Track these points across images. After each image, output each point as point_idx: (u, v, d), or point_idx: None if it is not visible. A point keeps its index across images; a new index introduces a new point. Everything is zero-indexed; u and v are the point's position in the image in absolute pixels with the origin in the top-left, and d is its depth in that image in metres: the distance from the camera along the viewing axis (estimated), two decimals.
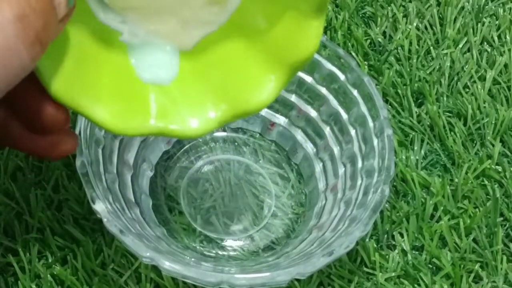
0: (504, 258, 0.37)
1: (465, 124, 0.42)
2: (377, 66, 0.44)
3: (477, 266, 0.37)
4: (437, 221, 0.38)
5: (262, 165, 0.40)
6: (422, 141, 0.41)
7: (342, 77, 0.36)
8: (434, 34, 0.46)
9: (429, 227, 0.38)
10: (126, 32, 0.28)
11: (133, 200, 0.35)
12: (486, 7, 0.48)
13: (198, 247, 0.36)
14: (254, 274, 0.30)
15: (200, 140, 0.40)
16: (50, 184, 0.37)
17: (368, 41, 0.45)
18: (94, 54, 0.27)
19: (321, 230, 0.35)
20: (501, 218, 0.39)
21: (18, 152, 0.38)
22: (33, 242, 0.35)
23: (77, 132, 0.32)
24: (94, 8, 0.28)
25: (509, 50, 0.45)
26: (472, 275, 0.37)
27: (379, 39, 0.45)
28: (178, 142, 0.40)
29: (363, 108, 0.36)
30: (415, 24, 0.46)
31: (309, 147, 0.39)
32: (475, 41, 0.46)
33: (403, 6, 0.47)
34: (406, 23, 0.46)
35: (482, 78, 0.44)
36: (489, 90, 0.44)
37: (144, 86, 0.29)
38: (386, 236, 0.37)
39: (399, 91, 0.43)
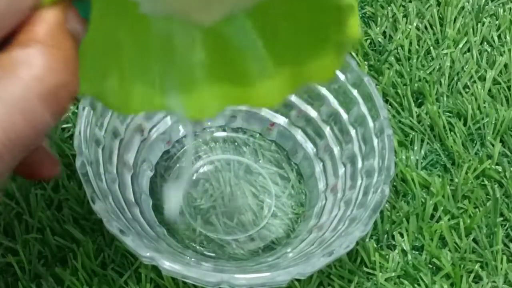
0: (504, 258, 0.37)
1: (465, 124, 0.42)
2: (377, 66, 0.44)
3: (477, 266, 0.37)
4: (437, 221, 0.38)
5: (262, 165, 0.40)
6: (422, 141, 0.41)
7: (342, 77, 0.36)
8: (434, 34, 0.46)
9: (429, 227, 0.38)
10: (146, 2, 0.28)
11: (133, 200, 0.35)
12: (486, 7, 0.48)
13: (198, 247, 0.36)
14: (254, 274, 0.30)
15: (200, 140, 0.40)
16: (50, 184, 0.37)
17: (368, 41, 0.45)
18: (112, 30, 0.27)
19: (321, 230, 0.35)
20: (501, 218, 0.39)
21: None
22: (33, 242, 0.35)
23: (77, 132, 0.32)
24: None
25: (509, 50, 0.45)
26: (472, 275, 0.37)
27: (379, 39, 0.45)
28: (178, 142, 0.40)
29: (363, 108, 0.36)
30: (415, 24, 0.46)
31: (309, 147, 0.39)
32: (475, 41, 0.46)
33: (403, 6, 0.47)
34: (406, 23, 0.46)
35: (482, 78, 0.44)
36: (489, 90, 0.44)
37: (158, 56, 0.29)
38: (386, 236, 0.37)
39: (399, 91, 0.43)
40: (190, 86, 0.29)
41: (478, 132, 0.42)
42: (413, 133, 0.41)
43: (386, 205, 0.38)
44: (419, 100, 0.43)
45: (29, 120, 0.20)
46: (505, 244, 0.38)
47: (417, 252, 0.38)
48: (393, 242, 0.38)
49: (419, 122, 0.42)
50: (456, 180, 0.40)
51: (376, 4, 0.47)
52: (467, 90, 0.44)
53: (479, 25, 0.46)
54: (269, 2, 0.27)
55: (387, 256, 0.37)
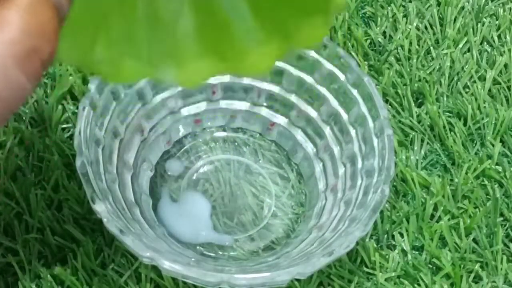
0: (504, 258, 0.37)
1: (465, 124, 0.42)
2: (377, 66, 0.44)
3: (477, 266, 0.37)
4: (437, 221, 0.38)
5: (262, 165, 0.40)
6: (422, 141, 0.41)
7: (342, 77, 0.36)
8: (434, 34, 0.46)
9: (429, 227, 0.38)
10: None
11: (133, 200, 0.35)
12: (486, 7, 0.48)
13: (198, 247, 0.36)
14: (254, 274, 0.30)
15: (200, 140, 0.40)
16: (50, 184, 0.37)
17: (368, 41, 0.45)
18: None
19: (321, 230, 0.35)
20: (501, 218, 0.39)
21: (18, 152, 0.38)
22: (33, 242, 0.35)
23: (77, 132, 0.32)
24: None
25: (509, 50, 0.45)
26: (472, 275, 0.37)
27: (379, 39, 0.45)
28: (178, 142, 0.40)
29: (363, 108, 0.36)
30: (415, 24, 0.46)
31: (309, 147, 0.39)
32: (475, 41, 0.46)
33: (403, 6, 0.47)
34: (406, 23, 0.46)
35: (482, 78, 0.44)
36: (489, 90, 0.44)
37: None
38: (386, 236, 0.37)
39: (399, 91, 0.43)
40: (179, 56, 0.29)
41: (478, 132, 0.42)
42: (413, 133, 0.41)
43: (386, 205, 0.38)
44: (419, 100, 0.43)
45: (4, 80, 0.21)
46: (505, 244, 0.38)
47: (417, 252, 0.38)
48: (393, 242, 0.38)
49: (419, 122, 0.42)
50: (456, 180, 0.40)
51: (376, 4, 0.47)
52: (467, 90, 0.44)
53: (479, 25, 0.46)
54: None
55: (387, 256, 0.37)
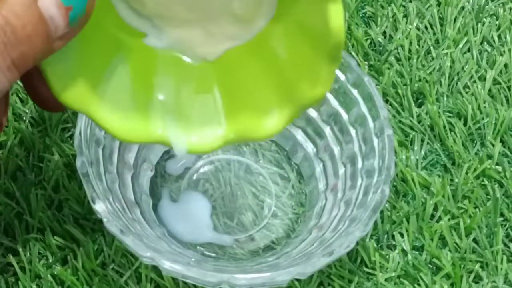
0: (504, 258, 0.37)
1: (465, 124, 0.42)
2: (377, 66, 0.44)
3: (477, 266, 0.37)
4: (437, 221, 0.38)
5: (262, 165, 0.40)
6: (422, 141, 0.41)
7: (342, 77, 0.36)
8: (434, 34, 0.46)
9: (429, 227, 0.38)
10: (151, 34, 0.28)
11: (133, 200, 0.35)
12: (486, 7, 0.48)
13: (198, 247, 0.36)
14: (254, 274, 0.30)
15: None
16: (50, 184, 0.37)
17: (368, 41, 0.45)
18: (106, 56, 0.27)
19: (321, 230, 0.35)
20: (501, 218, 0.39)
21: (18, 152, 0.38)
22: (33, 242, 0.35)
23: (77, 132, 0.32)
24: (117, 7, 0.27)
25: (509, 50, 0.45)
26: (472, 275, 0.37)
27: (379, 39, 0.45)
28: None
29: (363, 108, 0.36)
30: (415, 24, 0.46)
31: (309, 147, 0.39)
32: (475, 41, 0.46)
33: (403, 6, 0.47)
34: (406, 23, 0.46)
35: (482, 78, 0.44)
36: (489, 90, 0.44)
37: (150, 93, 0.29)
38: (386, 236, 0.37)
39: (399, 91, 0.43)
40: (191, 122, 0.29)
41: (478, 132, 0.42)
42: (413, 133, 0.41)
43: (386, 205, 0.38)
44: (419, 100, 0.43)
45: None
46: (505, 244, 0.38)
47: (417, 252, 0.38)
48: (393, 242, 0.38)
49: (419, 122, 0.42)
50: (456, 180, 0.40)
51: (376, 4, 0.47)
52: (467, 90, 0.44)
53: (479, 25, 0.46)
54: (267, 34, 0.28)
55: (387, 256, 0.37)
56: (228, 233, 0.37)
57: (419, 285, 0.36)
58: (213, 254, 0.36)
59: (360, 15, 0.46)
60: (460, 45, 0.45)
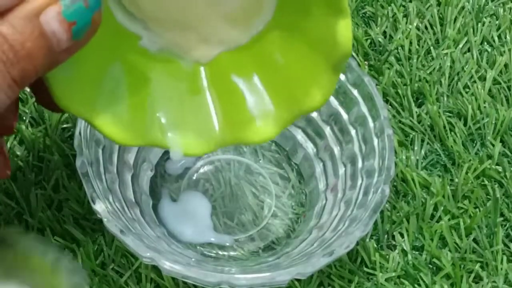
0: (504, 258, 0.37)
1: (465, 124, 0.42)
2: (377, 66, 0.44)
3: (477, 266, 0.37)
4: (437, 221, 0.38)
5: (262, 165, 0.40)
6: (422, 141, 0.41)
7: (342, 77, 0.36)
8: (434, 34, 0.46)
9: (429, 227, 0.38)
10: (146, 38, 0.28)
11: (133, 200, 0.35)
12: (486, 7, 0.47)
13: (198, 247, 0.36)
14: (254, 274, 0.30)
15: None
16: (50, 184, 0.37)
17: (368, 41, 0.45)
18: (106, 61, 0.27)
19: (321, 230, 0.35)
20: (501, 218, 0.39)
21: (18, 152, 0.38)
22: None
23: (77, 132, 0.32)
24: (114, 12, 0.27)
25: (509, 50, 0.45)
26: (472, 275, 0.37)
27: (379, 39, 0.45)
28: None
29: (363, 108, 0.36)
30: (415, 24, 0.46)
31: (309, 147, 0.39)
32: (475, 41, 0.46)
33: (403, 6, 0.47)
34: (406, 23, 0.46)
35: (482, 78, 0.44)
36: (489, 90, 0.44)
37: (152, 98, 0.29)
38: (386, 236, 0.37)
39: (399, 91, 0.43)
40: (187, 125, 0.29)
41: (478, 132, 0.42)
42: (413, 133, 0.41)
43: (386, 205, 0.38)
44: (419, 100, 0.43)
45: None
46: (505, 244, 0.38)
47: (417, 252, 0.38)
48: (393, 242, 0.38)
49: (419, 122, 0.42)
50: (456, 180, 0.40)
51: (376, 4, 0.47)
52: (467, 90, 0.44)
53: (479, 25, 0.46)
54: (264, 36, 0.28)
55: (387, 256, 0.37)
56: (228, 233, 0.37)
57: (419, 285, 0.36)
58: (213, 254, 0.36)
59: (360, 15, 0.46)
60: (460, 45, 0.45)
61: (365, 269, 0.36)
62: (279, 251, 0.36)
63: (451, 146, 0.41)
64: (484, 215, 0.38)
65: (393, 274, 0.36)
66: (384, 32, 0.46)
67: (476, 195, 0.39)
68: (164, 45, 0.29)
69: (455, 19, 0.47)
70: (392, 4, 0.47)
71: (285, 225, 0.38)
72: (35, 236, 0.34)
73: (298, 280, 0.35)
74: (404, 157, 0.40)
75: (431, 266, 0.37)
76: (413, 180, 0.39)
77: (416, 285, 0.36)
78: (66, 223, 0.36)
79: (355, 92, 0.36)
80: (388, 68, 0.44)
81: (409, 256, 0.37)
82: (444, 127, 0.42)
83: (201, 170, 0.39)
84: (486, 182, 0.40)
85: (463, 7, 0.47)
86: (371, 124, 0.35)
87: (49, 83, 0.25)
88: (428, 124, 0.42)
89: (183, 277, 0.30)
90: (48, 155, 0.38)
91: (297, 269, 0.30)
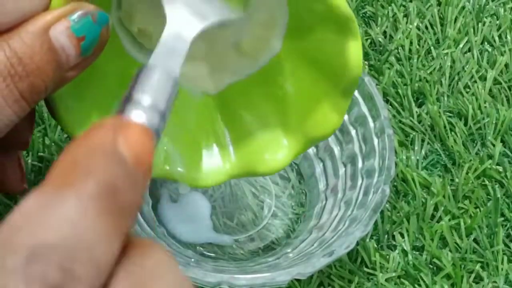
0: (505, 258, 0.37)
1: (465, 124, 0.42)
2: (377, 66, 0.44)
3: (477, 267, 0.37)
4: (438, 221, 0.38)
5: None
6: (423, 141, 0.41)
7: None
8: (434, 33, 0.46)
9: (430, 227, 0.38)
10: None
11: None
12: (487, 6, 0.47)
13: (198, 247, 0.36)
14: (254, 274, 0.30)
15: None
16: None
17: (369, 41, 0.45)
18: (113, 87, 0.27)
19: (321, 230, 0.35)
20: (502, 218, 0.39)
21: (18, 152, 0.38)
22: None
23: None
24: (123, 41, 0.27)
25: (509, 50, 0.45)
26: (473, 275, 0.37)
27: (380, 39, 0.45)
28: None
29: (364, 108, 0.36)
30: (415, 24, 0.46)
31: None
32: (475, 41, 0.46)
33: (404, 6, 0.47)
34: (406, 22, 0.46)
35: (483, 78, 0.44)
36: (490, 90, 0.44)
37: None
38: (386, 236, 0.37)
39: (400, 91, 0.43)
40: (195, 158, 0.29)
41: (478, 132, 0.42)
42: (414, 133, 0.41)
43: (387, 205, 0.38)
44: (420, 100, 0.43)
45: None
46: (505, 244, 0.38)
47: (417, 252, 0.37)
48: (394, 242, 0.37)
49: (419, 122, 0.42)
50: (457, 180, 0.40)
51: (376, 3, 0.47)
52: (468, 90, 0.44)
53: (480, 24, 0.46)
54: (273, 65, 0.28)
55: (387, 256, 0.37)
56: (228, 233, 0.37)
57: (419, 285, 0.36)
58: (213, 254, 0.36)
59: (361, 15, 0.46)
60: (461, 45, 0.45)
61: (365, 269, 0.36)
62: (279, 251, 0.36)
63: (452, 146, 0.41)
64: (484, 215, 0.38)
65: (393, 274, 0.36)
66: (385, 32, 0.46)
67: (476, 195, 0.39)
68: None
69: (455, 19, 0.46)
70: (393, 4, 0.47)
71: (285, 225, 0.38)
72: None
73: (298, 280, 0.35)
74: (404, 157, 0.40)
75: (431, 266, 0.37)
76: (413, 180, 0.39)
77: (416, 285, 0.36)
78: None
79: (355, 92, 0.36)
80: (389, 68, 0.44)
81: (410, 256, 0.37)
82: (445, 127, 0.42)
83: None
84: (487, 182, 0.40)
85: (463, 7, 0.47)
86: (371, 124, 0.35)
87: (55, 107, 0.25)
88: (428, 124, 0.42)
89: None
90: (48, 155, 0.37)
91: (297, 269, 0.30)
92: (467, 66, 0.44)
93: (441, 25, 0.46)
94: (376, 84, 0.40)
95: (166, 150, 0.29)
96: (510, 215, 0.39)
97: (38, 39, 0.21)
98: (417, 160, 0.40)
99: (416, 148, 0.41)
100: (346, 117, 0.37)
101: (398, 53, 0.45)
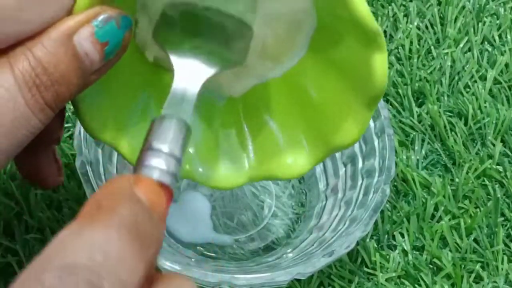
0: (505, 258, 0.37)
1: (466, 124, 0.42)
2: None
3: (477, 266, 0.37)
4: (438, 221, 0.38)
5: None
6: (423, 141, 0.41)
7: None
8: (434, 33, 0.46)
9: (430, 227, 0.38)
10: None
11: None
12: (487, 6, 0.47)
13: (198, 247, 0.36)
14: (254, 274, 0.30)
15: None
16: None
17: None
18: (136, 90, 0.27)
19: (322, 230, 0.35)
20: (502, 218, 0.39)
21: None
22: (33, 242, 0.35)
23: (77, 132, 0.32)
24: (148, 50, 0.27)
25: (510, 49, 0.45)
26: (473, 275, 0.37)
27: None
28: None
29: None
30: (415, 24, 0.46)
31: None
32: (476, 41, 0.46)
33: (404, 6, 0.47)
34: (406, 22, 0.46)
35: (483, 78, 0.44)
36: (490, 89, 0.44)
37: None
38: (386, 236, 0.37)
39: (400, 90, 0.43)
40: (217, 159, 0.29)
41: (479, 132, 0.42)
42: (414, 133, 0.41)
43: (387, 205, 0.38)
44: (420, 100, 0.43)
45: (5, 104, 0.21)
46: (506, 244, 0.38)
47: (417, 252, 0.37)
48: (394, 242, 0.37)
49: (419, 121, 0.42)
50: (457, 180, 0.40)
51: (376, 3, 0.47)
52: (468, 89, 0.44)
53: (480, 24, 0.46)
54: (298, 70, 0.27)
55: (387, 256, 0.37)
56: (228, 233, 0.37)
57: (419, 285, 0.36)
58: (213, 254, 0.36)
59: None
60: (461, 45, 0.45)
61: (365, 269, 0.36)
62: (279, 251, 0.36)
63: (452, 146, 0.41)
64: (484, 215, 0.38)
65: (394, 274, 0.36)
66: (385, 31, 0.46)
67: (476, 195, 0.39)
68: None
69: (455, 19, 0.46)
70: (393, 4, 0.47)
71: (285, 225, 0.38)
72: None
73: (298, 280, 0.35)
74: (404, 157, 0.40)
75: (431, 266, 0.37)
76: (413, 180, 0.39)
77: (416, 285, 0.36)
78: (66, 223, 0.36)
79: None
80: (389, 68, 0.44)
81: (410, 256, 0.37)
82: (445, 126, 0.42)
83: None
84: (487, 182, 0.40)
85: (463, 7, 0.47)
86: (371, 123, 0.35)
87: (78, 109, 0.25)
88: (428, 124, 0.42)
89: None
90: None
91: (297, 269, 0.30)
92: (467, 66, 0.44)
93: (441, 24, 0.46)
94: None
95: (188, 151, 0.28)
96: (510, 215, 0.39)
97: (62, 46, 0.21)
98: (417, 160, 0.40)
99: (416, 148, 0.41)
100: None
101: (398, 52, 0.45)
